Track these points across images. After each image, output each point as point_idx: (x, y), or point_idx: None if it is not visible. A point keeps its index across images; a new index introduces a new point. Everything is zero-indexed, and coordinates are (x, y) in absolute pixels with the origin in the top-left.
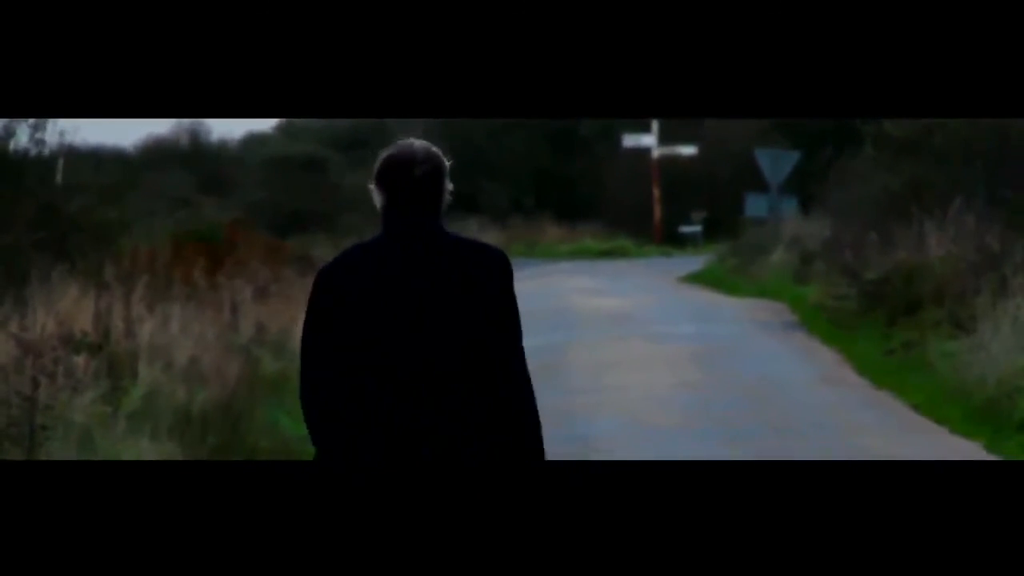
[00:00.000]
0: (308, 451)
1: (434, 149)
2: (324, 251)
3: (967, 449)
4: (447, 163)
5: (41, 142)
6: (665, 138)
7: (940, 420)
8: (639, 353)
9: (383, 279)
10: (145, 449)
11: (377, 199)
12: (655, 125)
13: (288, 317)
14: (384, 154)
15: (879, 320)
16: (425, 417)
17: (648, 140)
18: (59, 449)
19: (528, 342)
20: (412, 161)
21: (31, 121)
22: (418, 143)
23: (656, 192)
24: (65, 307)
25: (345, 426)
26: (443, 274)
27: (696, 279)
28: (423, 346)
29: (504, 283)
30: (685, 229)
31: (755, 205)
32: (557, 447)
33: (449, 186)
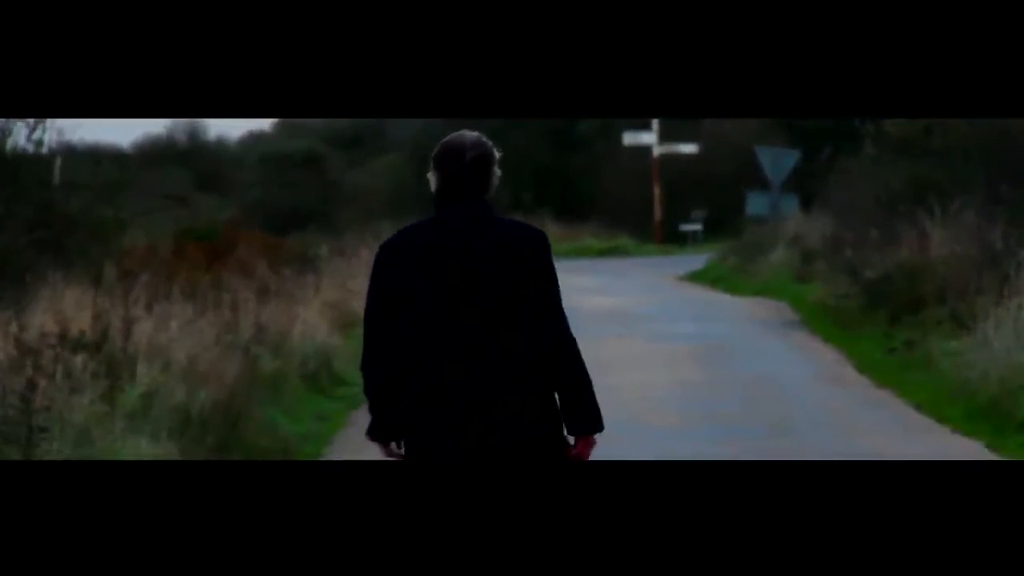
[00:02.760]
0: (307, 451)
1: (484, 139)
2: (323, 249)
3: (968, 448)
4: (496, 153)
5: (39, 141)
6: (665, 136)
7: (942, 419)
8: (639, 352)
9: (437, 253)
10: (143, 449)
11: (432, 183)
12: (655, 123)
13: (287, 316)
14: (440, 143)
15: (880, 319)
16: (477, 385)
17: (648, 138)
18: (57, 449)
19: None
20: (463, 148)
21: (29, 120)
22: (470, 134)
23: (656, 190)
24: (63, 307)
25: (405, 393)
26: (490, 249)
27: (697, 278)
28: (474, 315)
29: (544, 257)
30: (686, 226)
31: (756, 203)
32: None
33: (497, 172)
